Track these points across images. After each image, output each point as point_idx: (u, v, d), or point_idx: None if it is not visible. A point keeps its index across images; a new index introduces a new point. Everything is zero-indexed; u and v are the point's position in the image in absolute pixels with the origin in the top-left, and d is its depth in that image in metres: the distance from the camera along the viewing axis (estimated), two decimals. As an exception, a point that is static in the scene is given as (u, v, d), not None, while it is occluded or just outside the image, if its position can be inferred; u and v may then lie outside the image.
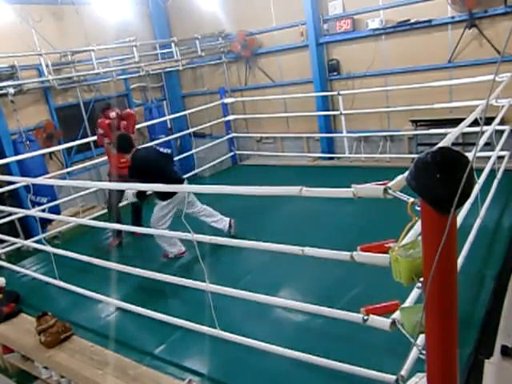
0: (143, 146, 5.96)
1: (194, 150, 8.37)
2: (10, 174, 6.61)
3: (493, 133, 4.76)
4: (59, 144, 7.50)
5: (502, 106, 5.36)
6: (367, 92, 7.57)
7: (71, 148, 7.94)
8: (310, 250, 2.60)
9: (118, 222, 5.74)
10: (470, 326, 3.13)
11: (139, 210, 5.83)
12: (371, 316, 2.37)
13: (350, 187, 2.24)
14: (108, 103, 6.52)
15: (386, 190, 2.05)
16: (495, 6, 6.36)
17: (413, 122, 7.32)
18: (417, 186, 1.42)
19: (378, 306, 2.35)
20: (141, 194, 4.83)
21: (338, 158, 8.43)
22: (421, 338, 1.91)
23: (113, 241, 5.86)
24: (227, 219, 5.30)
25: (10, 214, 6.00)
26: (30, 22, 7.44)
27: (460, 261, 3.29)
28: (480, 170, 4.06)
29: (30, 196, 6.40)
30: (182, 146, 9.69)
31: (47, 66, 7.34)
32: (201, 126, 8.62)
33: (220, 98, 8.94)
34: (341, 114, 7.62)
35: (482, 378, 2.75)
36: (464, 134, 6.60)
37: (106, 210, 6.71)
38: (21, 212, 5.78)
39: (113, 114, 5.91)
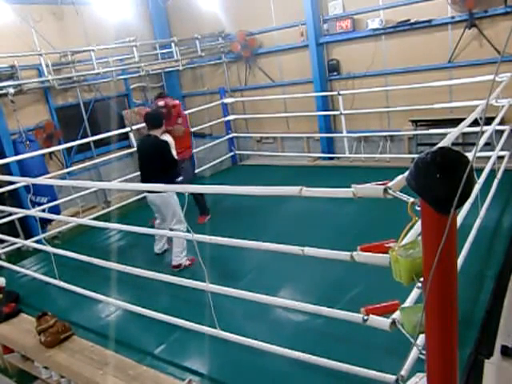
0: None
1: (193, 150, 8.36)
2: (10, 173, 6.61)
3: (493, 133, 4.76)
4: (59, 144, 7.50)
5: (502, 106, 5.37)
6: (367, 92, 7.57)
7: (71, 148, 7.93)
8: (310, 250, 2.60)
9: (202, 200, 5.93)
10: (470, 326, 3.13)
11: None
12: (371, 316, 2.37)
13: (350, 187, 2.24)
14: (161, 92, 6.46)
15: (386, 190, 2.05)
16: (495, 5, 6.36)
17: (413, 121, 7.32)
18: (417, 186, 1.42)
19: (378, 305, 2.35)
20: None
21: (338, 158, 8.42)
22: (421, 338, 1.91)
23: (202, 217, 6.05)
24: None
25: (10, 214, 6.00)
26: (30, 22, 7.44)
27: (460, 261, 3.29)
28: (480, 170, 4.06)
29: (30, 196, 6.39)
30: (181, 145, 9.67)
31: (47, 65, 7.33)
32: (201, 126, 8.62)
33: (220, 98, 8.93)
34: (341, 114, 7.62)
35: (482, 378, 2.75)
36: (464, 134, 6.60)
37: (104, 207, 6.71)
38: (21, 212, 5.77)
39: (161, 103, 5.84)
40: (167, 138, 5.07)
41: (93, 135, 7.57)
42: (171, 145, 5.00)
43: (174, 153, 5.00)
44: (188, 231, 3.10)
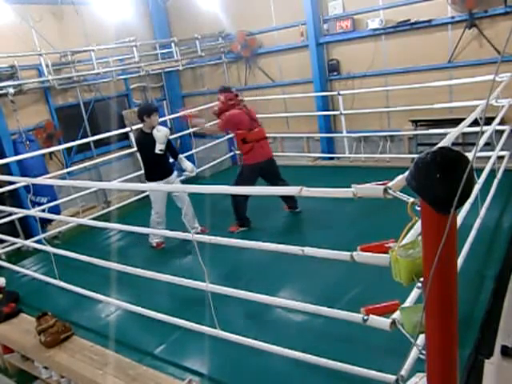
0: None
1: (194, 150, 8.36)
2: (10, 174, 6.61)
3: (493, 133, 4.76)
4: (59, 144, 7.49)
5: (502, 106, 5.37)
6: (367, 92, 7.57)
7: (71, 148, 7.93)
8: (310, 250, 2.60)
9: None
10: (470, 326, 3.13)
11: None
12: (371, 316, 2.37)
13: (350, 187, 2.24)
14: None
15: (386, 190, 2.05)
16: (495, 5, 6.36)
17: (413, 122, 7.32)
18: (417, 186, 1.42)
19: (378, 305, 2.35)
20: None
21: (338, 158, 8.43)
22: (421, 338, 1.91)
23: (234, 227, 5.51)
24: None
25: (10, 214, 6.00)
26: (30, 22, 7.44)
27: (460, 261, 3.29)
28: (480, 170, 4.06)
29: (30, 196, 6.38)
30: (182, 145, 9.68)
31: (47, 66, 7.33)
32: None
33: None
34: (341, 113, 7.62)
35: (482, 378, 2.75)
36: (464, 134, 6.60)
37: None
38: (21, 212, 5.77)
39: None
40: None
41: (93, 135, 7.56)
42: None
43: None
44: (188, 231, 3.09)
